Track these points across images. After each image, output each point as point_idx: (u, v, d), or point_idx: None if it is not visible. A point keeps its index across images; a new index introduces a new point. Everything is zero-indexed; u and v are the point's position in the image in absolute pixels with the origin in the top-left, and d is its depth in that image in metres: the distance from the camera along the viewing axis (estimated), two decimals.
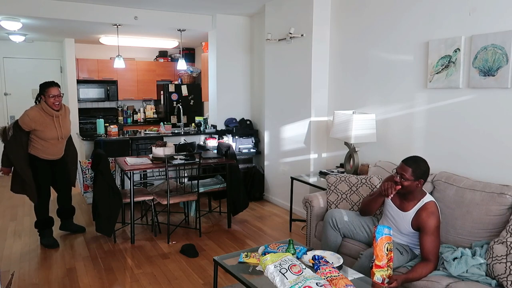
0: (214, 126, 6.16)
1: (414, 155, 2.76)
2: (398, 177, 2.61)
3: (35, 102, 3.94)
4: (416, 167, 2.58)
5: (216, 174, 4.88)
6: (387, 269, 2.32)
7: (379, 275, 2.30)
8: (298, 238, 4.16)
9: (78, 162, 6.10)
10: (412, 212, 2.65)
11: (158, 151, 4.31)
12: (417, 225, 2.61)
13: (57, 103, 3.86)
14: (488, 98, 3.01)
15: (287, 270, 2.15)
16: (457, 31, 3.19)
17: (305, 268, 2.19)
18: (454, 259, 2.46)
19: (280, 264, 2.20)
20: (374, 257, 2.33)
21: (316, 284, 2.03)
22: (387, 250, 2.32)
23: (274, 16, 5.21)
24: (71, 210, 4.40)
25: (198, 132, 6.07)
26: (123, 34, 6.59)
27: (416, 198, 2.65)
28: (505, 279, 2.24)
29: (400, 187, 2.61)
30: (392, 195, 2.63)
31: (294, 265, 2.20)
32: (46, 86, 3.86)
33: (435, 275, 2.42)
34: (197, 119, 6.53)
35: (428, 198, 2.65)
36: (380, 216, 3.07)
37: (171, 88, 8.02)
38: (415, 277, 2.42)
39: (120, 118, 8.18)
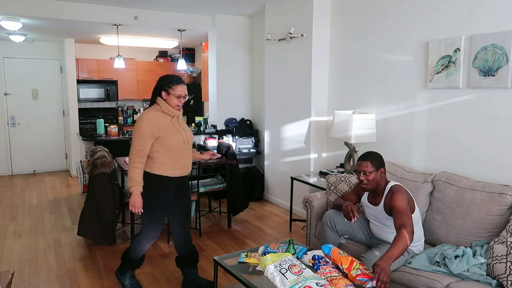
0: (214, 126, 6.16)
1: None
2: (362, 175, 2.70)
3: (151, 103, 2.95)
4: (371, 158, 2.71)
5: (216, 174, 4.88)
6: (355, 264, 2.24)
7: (355, 274, 2.22)
8: (298, 238, 4.16)
9: (79, 162, 6.14)
10: (382, 201, 2.72)
11: None
12: (389, 208, 2.65)
13: (181, 105, 2.93)
14: (488, 98, 3.01)
15: (287, 270, 2.15)
16: (457, 31, 3.19)
17: (305, 268, 2.20)
18: (456, 257, 2.46)
19: (280, 264, 2.21)
20: (342, 268, 2.26)
21: (316, 284, 2.03)
22: (342, 253, 2.37)
23: (274, 16, 5.21)
24: (196, 254, 3.22)
25: (198, 132, 6.06)
26: (123, 34, 6.59)
27: (383, 188, 2.74)
28: (505, 279, 2.24)
29: (357, 215, 2.74)
30: (354, 220, 2.75)
31: (294, 265, 2.20)
32: (173, 81, 2.87)
33: (436, 273, 2.42)
34: (197, 119, 6.53)
35: (391, 183, 2.74)
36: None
37: None
38: (397, 251, 2.30)
39: (120, 118, 8.17)
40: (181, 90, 2.88)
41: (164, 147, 2.83)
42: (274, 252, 2.48)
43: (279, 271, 2.15)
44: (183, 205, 3.07)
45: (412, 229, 2.44)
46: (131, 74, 8.24)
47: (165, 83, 2.87)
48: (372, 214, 2.85)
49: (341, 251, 2.39)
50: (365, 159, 2.71)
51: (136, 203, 2.82)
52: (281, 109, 5.20)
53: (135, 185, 2.79)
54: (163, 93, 2.86)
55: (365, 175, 2.69)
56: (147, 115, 2.84)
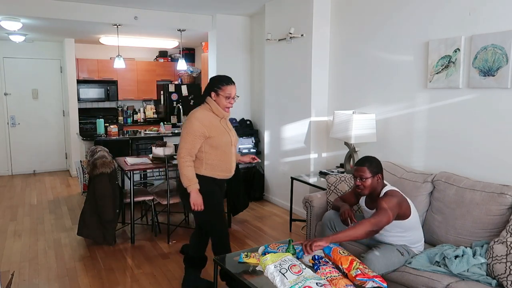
0: None
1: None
2: (358, 181, 2.66)
3: (200, 102, 2.94)
4: (369, 164, 2.65)
5: None
6: (355, 264, 2.26)
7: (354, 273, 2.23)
8: (298, 238, 4.16)
9: (79, 162, 6.14)
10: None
11: (158, 151, 4.31)
12: None
13: (231, 106, 2.89)
14: (488, 98, 3.01)
15: (287, 270, 2.15)
16: (457, 31, 3.19)
17: (305, 268, 2.19)
18: (456, 257, 2.46)
19: (280, 264, 2.20)
20: (342, 268, 2.27)
21: (316, 284, 2.03)
22: (342, 252, 2.37)
23: (274, 16, 5.21)
24: (205, 259, 3.18)
25: None
26: (123, 34, 6.59)
27: (379, 193, 2.70)
28: (505, 279, 2.24)
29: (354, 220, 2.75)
30: (352, 224, 2.75)
31: (294, 265, 2.20)
32: (224, 81, 2.84)
33: (436, 273, 2.42)
34: None
35: (387, 188, 2.69)
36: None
37: (171, 88, 8.02)
38: (343, 236, 2.41)
39: (120, 118, 8.17)
40: (231, 90, 2.83)
41: (213, 148, 2.80)
42: (274, 252, 2.48)
43: (279, 271, 2.15)
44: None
45: (380, 225, 2.45)
46: (131, 74, 8.24)
47: (215, 83, 2.85)
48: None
49: (341, 251, 2.39)
50: (363, 165, 2.65)
51: (198, 201, 2.77)
52: (281, 109, 5.20)
53: (193, 184, 2.76)
54: (213, 94, 2.84)
55: (362, 181, 2.65)
56: (199, 114, 2.82)
